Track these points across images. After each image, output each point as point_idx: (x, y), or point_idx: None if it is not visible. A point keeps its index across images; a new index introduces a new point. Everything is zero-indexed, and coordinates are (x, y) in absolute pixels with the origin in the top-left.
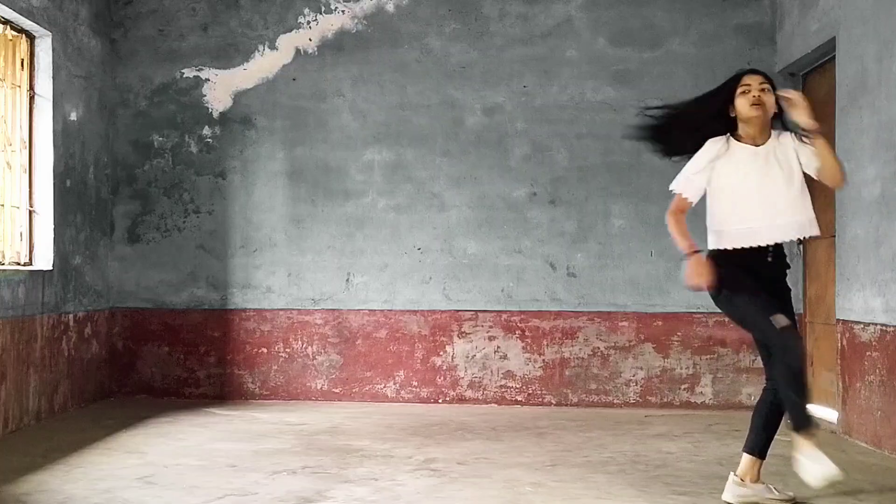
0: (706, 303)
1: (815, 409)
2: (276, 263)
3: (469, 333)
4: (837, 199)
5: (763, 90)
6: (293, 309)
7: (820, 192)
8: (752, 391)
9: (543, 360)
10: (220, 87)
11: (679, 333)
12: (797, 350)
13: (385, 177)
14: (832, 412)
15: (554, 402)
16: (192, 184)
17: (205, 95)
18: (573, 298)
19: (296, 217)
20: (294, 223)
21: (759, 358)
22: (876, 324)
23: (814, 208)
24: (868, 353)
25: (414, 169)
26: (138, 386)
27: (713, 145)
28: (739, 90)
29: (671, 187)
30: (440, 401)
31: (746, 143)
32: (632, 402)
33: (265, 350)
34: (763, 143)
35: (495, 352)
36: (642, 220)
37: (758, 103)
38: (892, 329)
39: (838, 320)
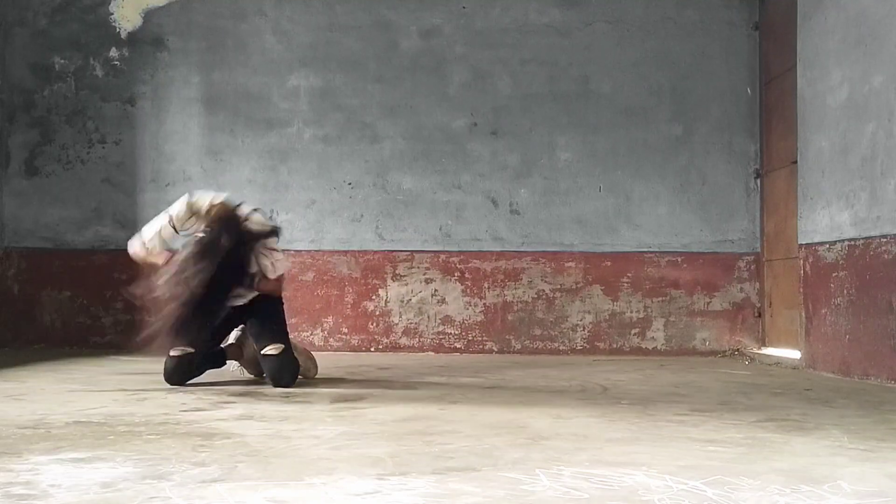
0: (658, 242)
1: None
2: None
3: (404, 276)
4: (799, 116)
5: None
6: None
7: (779, 116)
8: (706, 335)
9: (484, 304)
10: (129, 5)
11: (629, 275)
12: None
13: (312, 105)
14: (794, 352)
15: (496, 350)
16: (98, 111)
17: (112, 13)
18: (516, 237)
19: (213, 148)
20: (211, 155)
21: (713, 300)
22: (843, 240)
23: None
24: (834, 275)
25: (344, 96)
26: (36, 335)
27: None
28: None
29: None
30: (372, 349)
31: None
32: (578, 348)
33: None
34: None
35: (432, 295)
36: (590, 153)
37: None
38: (860, 242)
39: (801, 245)
